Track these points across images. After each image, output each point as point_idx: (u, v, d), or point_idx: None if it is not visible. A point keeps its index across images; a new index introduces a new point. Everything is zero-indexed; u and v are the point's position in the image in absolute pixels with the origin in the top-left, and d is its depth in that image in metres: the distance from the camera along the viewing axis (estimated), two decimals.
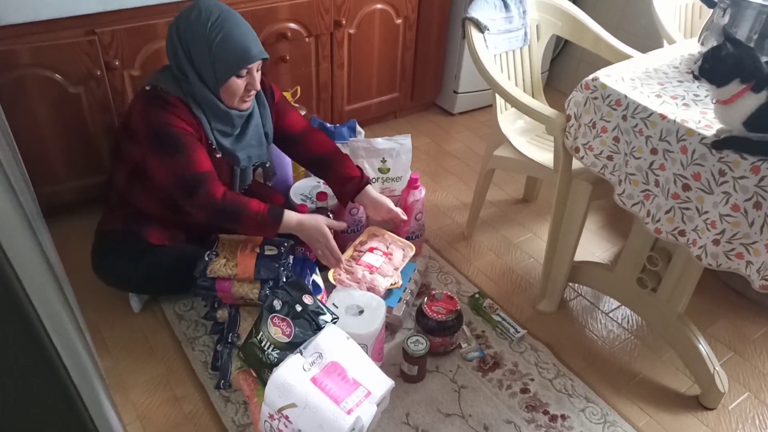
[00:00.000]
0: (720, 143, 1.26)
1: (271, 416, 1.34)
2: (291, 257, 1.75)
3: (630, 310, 1.93)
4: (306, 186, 2.11)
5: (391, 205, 1.84)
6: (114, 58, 1.92)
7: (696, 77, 1.25)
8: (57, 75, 1.86)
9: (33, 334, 0.66)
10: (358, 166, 1.86)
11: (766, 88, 1.19)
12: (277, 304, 1.44)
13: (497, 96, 1.93)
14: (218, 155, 1.66)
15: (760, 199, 1.23)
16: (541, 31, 2.05)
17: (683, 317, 1.66)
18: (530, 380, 1.68)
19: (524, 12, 1.97)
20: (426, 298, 1.74)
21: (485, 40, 1.87)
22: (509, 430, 1.55)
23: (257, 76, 1.62)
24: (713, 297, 2.01)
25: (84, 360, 0.76)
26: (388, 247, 1.86)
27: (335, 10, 2.33)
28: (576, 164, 1.68)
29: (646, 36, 2.69)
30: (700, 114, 1.36)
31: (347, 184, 1.81)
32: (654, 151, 1.40)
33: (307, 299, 1.45)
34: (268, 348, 1.40)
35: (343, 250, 1.83)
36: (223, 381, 1.60)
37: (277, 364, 1.36)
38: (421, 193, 1.98)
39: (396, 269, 1.81)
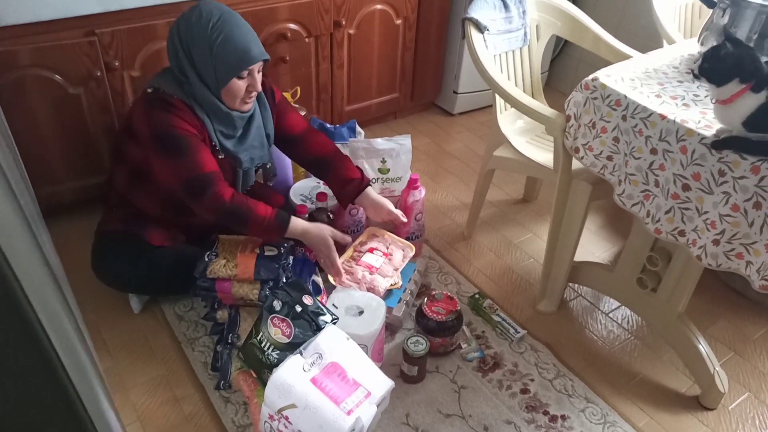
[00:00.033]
0: (720, 143, 1.26)
1: (271, 417, 1.34)
2: (291, 258, 1.75)
3: (630, 311, 1.93)
4: (306, 186, 2.11)
5: (391, 207, 1.85)
6: (114, 58, 1.92)
7: (696, 76, 1.26)
8: (57, 76, 1.86)
9: (32, 334, 0.66)
10: (358, 168, 1.86)
11: (765, 88, 1.19)
12: (277, 304, 1.44)
13: (497, 96, 1.93)
14: (221, 156, 1.66)
15: (759, 199, 1.23)
16: (540, 31, 2.05)
17: (683, 317, 1.66)
18: (530, 380, 1.68)
19: (524, 12, 1.97)
20: (426, 299, 1.74)
21: (485, 40, 1.87)
22: (509, 430, 1.55)
23: (258, 77, 1.62)
24: (713, 297, 2.01)
25: (83, 360, 0.76)
26: (388, 248, 1.86)
27: (335, 11, 2.33)
28: (576, 164, 1.68)
29: (646, 36, 2.69)
30: (700, 114, 1.36)
31: (347, 186, 1.82)
32: (654, 152, 1.39)
33: (307, 300, 1.45)
34: (268, 348, 1.40)
35: (343, 251, 1.83)
36: (223, 382, 1.60)
37: (277, 365, 1.36)
38: (420, 194, 1.98)
39: (396, 270, 1.81)
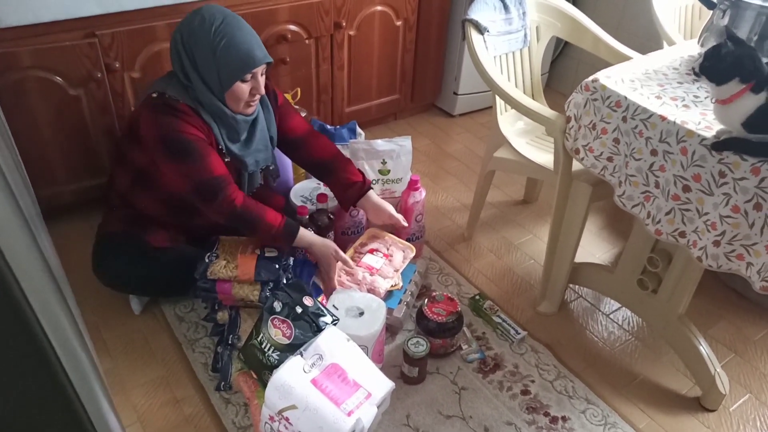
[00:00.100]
0: (720, 144, 1.26)
1: (271, 418, 1.34)
2: (291, 259, 1.75)
3: (630, 312, 1.93)
4: (306, 188, 2.11)
5: (393, 210, 1.85)
6: (114, 60, 1.92)
7: (696, 74, 1.25)
8: (57, 77, 1.86)
9: (31, 335, 0.66)
10: (360, 171, 1.86)
11: (765, 89, 1.19)
12: (278, 305, 1.44)
13: (497, 98, 1.93)
14: (227, 160, 1.67)
15: (760, 200, 1.23)
16: (540, 32, 2.06)
17: (684, 318, 1.66)
18: (531, 382, 1.68)
19: (524, 13, 1.97)
20: (426, 300, 1.73)
21: (485, 41, 1.87)
22: (510, 431, 1.54)
23: (261, 80, 1.63)
24: (714, 298, 2.01)
25: (83, 361, 0.76)
26: (388, 249, 1.86)
27: (335, 12, 2.33)
28: (576, 166, 1.68)
29: (646, 37, 2.70)
30: (700, 115, 1.36)
31: (349, 189, 1.82)
32: (654, 153, 1.39)
33: (308, 301, 1.45)
34: (269, 350, 1.40)
35: (344, 251, 1.83)
36: (223, 383, 1.60)
37: (277, 366, 1.36)
38: (421, 195, 1.98)
39: (396, 271, 1.81)
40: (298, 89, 2.34)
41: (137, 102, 2.01)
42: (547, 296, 1.91)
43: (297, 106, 2.23)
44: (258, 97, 1.65)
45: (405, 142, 2.06)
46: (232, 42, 1.54)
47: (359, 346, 1.45)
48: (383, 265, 1.80)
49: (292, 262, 1.75)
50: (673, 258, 1.60)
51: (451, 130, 2.91)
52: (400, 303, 1.80)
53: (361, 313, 1.58)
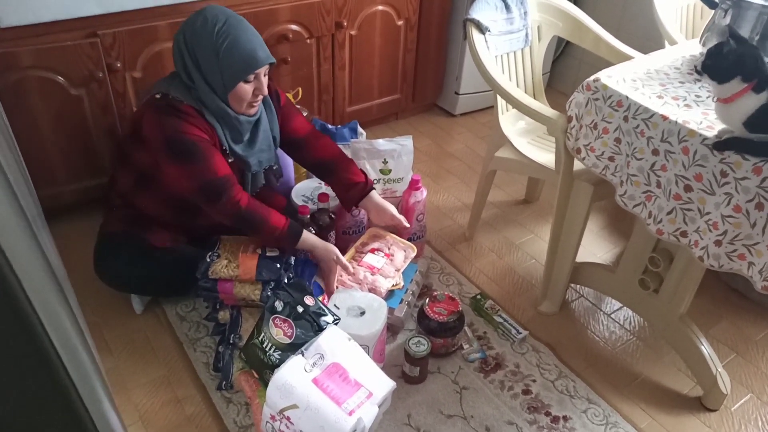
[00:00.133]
0: (722, 144, 1.26)
1: (272, 417, 1.34)
2: (293, 258, 1.75)
3: (632, 311, 1.93)
4: (307, 187, 2.11)
5: (395, 211, 1.86)
6: (116, 60, 1.93)
7: (698, 72, 1.25)
8: (59, 77, 1.86)
9: (32, 335, 0.66)
10: (362, 171, 1.86)
11: (767, 88, 1.18)
12: (279, 305, 1.44)
13: (498, 97, 1.93)
14: (230, 160, 1.67)
15: (761, 200, 1.23)
16: (542, 32, 2.05)
17: (685, 318, 1.66)
18: (532, 381, 1.68)
19: (525, 13, 1.97)
20: (427, 299, 1.73)
21: (486, 41, 1.87)
22: (511, 431, 1.54)
23: (264, 80, 1.63)
24: (715, 298, 2.00)
25: (84, 361, 0.76)
26: (389, 249, 1.86)
27: (336, 12, 2.33)
28: (577, 165, 1.68)
29: (647, 37, 2.69)
30: (702, 115, 1.36)
31: (351, 189, 1.82)
32: (655, 152, 1.39)
33: (309, 300, 1.45)
34: (270, 349, 1.40)
35: (345, 251, 1.84)
36: (224, 382, 1.60)
37: (278, 365, 1.36)
38: (422, 195, 1.98)
39: (397, 270, 1.81)
40: (299, 89, 2.34)
41: (139, 102, 2.01)
42: (549, 296, 1.91)
43: (298, 106, 2.24)
44: (261, 97, 1.65)
45: (406, 142, 2.06)
46: (235, 43, 1.54)
47: (360, 345, 1.45)
48: (384, 265, 1.80)
49: (293, 262, 1.75)
50: (675, 258, 1.60)
51: (453, 129, 2.91)
52: (401, 302, 1.80)
53: (363, 313, 1.58)
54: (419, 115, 3.00)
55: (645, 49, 1.80)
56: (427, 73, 2.81)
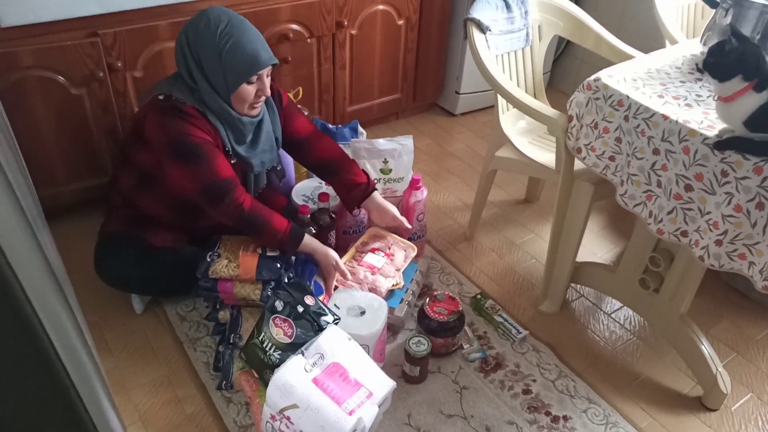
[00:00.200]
0: (722, 144, 1.26)
1: (272, 417, 1.34)
2: (293, 258, 1.75)
3: (632, 311, 1.93)
4: (308, 187, 2.11)
5: (396, 212, 1.86)
6: (117, 59, 1.92)
7: (699, 70, 1.25)
8: (59, 77, 1.86)
9: (32, 334, 0.66)
10: (364, 172, 1.86)
11: (767, 88, 1.18)
12: (279, 304, 1.44)
13: (499, 97, 1.93)
14: (233, 161, 1.67)
15: (762, 199, 1.23)
16: (542, 31, 2.05)
17: (685, 318, 1.65)
18: (532, 381, 1.68)
19: (526, 12, 1.97)
20: (428, 299, 1.73)
21: (487, 40, 1.87)
22: (511, 431, 1.54)
23: (267, 81, 1.63)
24: (715, 298, 2.00)
25: (84, 361, 0.76)
26: (389, 248, 1.86)
27: (337, 11, 2.33)
28: (578, 165, 1.68)
29: (648, 36, 2.69)
30: (703, 114, 1.36)
31: (353, 190, 1.82)
32: (656, 152, 1.39)
33: (309, 300, 1.45)
34: (270, 349, 1.40)
35: (345, 251, 1.84)
36: (224, 382, 1.60)
37: (278, 365, 1.36)
38: (422, 194, 1.98)
39: (398, 270, 1.81)
40: (300, 88, 2.34)
41: (140, 102, 2.01)
42: (549, 295, 1.91)
43: (299, 106, 2.24)
44: (263, 98, 1.65)
45: (407, 142, 2.06)
46: (238, 44, 1.54)
47: (361, 345, 1.45)
48: (385, 265, 1.80)
49: (293, 261, 1.75)
50: (675, 257, 1.60)
51: (453, 129, 2.91)
52: (401, 302, 1.80)
53: (363, 313, 1.58)
54: (420, 115, 3.00)
55: (646, 49, 1.80)
56: (427, 72, 2.81)
